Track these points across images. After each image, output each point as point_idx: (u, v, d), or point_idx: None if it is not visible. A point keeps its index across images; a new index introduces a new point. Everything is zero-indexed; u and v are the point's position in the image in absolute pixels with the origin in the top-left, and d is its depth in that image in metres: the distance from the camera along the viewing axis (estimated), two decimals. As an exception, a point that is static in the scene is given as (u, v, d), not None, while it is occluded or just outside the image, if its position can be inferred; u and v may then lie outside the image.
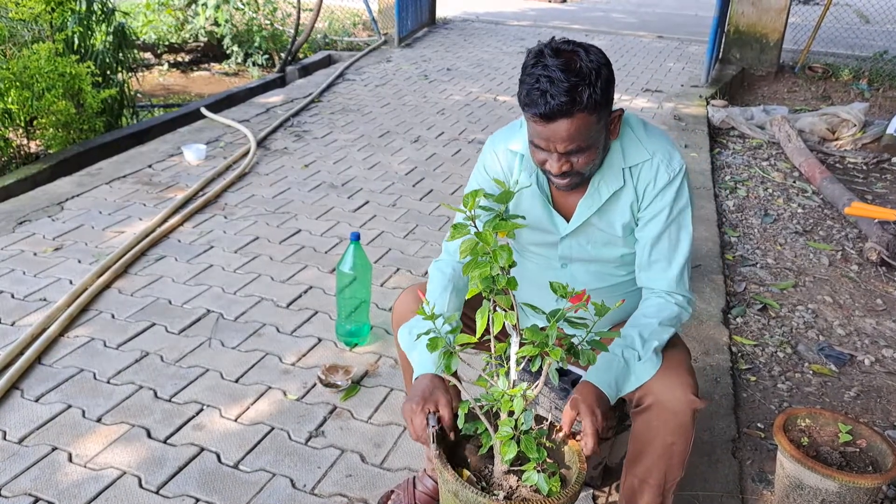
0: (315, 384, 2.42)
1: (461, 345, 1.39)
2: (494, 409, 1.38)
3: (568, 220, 1.67)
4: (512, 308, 1.32)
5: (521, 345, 1.33)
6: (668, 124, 5.59)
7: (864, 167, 5.28)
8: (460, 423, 1.42)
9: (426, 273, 3.18)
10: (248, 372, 2.47)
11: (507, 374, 1.36)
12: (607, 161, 1.59)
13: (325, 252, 3.34)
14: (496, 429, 1.37)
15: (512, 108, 5.88)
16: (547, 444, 1.40)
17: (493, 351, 1.39)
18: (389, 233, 3.57)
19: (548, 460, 1.36)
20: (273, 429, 2.21)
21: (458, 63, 7.45)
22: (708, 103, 6.24)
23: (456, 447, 1.51)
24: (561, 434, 1.45)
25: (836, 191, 4.35)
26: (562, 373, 1.38)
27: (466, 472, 1.46)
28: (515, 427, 1.35)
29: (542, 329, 1.33)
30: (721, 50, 7.55)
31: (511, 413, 1.35)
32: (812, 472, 1.76)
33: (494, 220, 1.34)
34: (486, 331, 1.35)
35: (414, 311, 1.72)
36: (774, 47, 7.50)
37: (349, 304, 2.60)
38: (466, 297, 1.54)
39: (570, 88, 1.39)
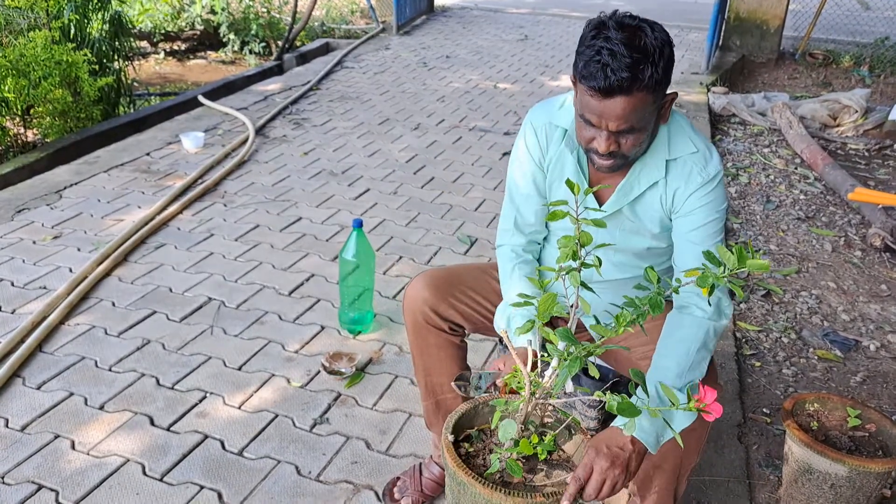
0: (319, 371, 2.40)
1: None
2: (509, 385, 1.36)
3: (601, 206, 1.60)
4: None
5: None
6: (668, 111, 5.55)
7: (866, 153, 5.26)
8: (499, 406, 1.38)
9: (429, 261, 3.17)
10: (250, 359, 2.46)
11: (546, 365, 1.34)
12: (651, 149, 1.52)
13: (327, 240, 3.32)
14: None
15: (512, 96, 5.85)
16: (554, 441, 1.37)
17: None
18: (391, 221, 3.54)
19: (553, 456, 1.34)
20: (277, 416, 2.20)
21: (457, 50, 7.41)
22: (709, 90, 6.21)
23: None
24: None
25: (838, 177, 4.33)
26: (585, 372, 1.34)
27: (469, 447, 1.44)
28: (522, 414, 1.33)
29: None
30: (721, 37, 7.50)
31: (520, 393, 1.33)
32: (822, 457, 1.75)
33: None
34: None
35: (426, 298, 1.69)
36: (775, 34, 7.46)
37: (352, 291, 2.58)
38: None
39: (633, 64, 1.31)
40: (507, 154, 4.52)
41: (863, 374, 2.61)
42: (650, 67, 1.32)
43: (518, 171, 1.67)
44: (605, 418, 1.91)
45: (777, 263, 3.45)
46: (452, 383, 1.46)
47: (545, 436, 1.36)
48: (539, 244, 1.74)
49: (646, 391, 1.31)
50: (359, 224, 2.51)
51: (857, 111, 5.74)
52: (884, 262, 3.53)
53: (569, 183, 1.29)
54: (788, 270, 3.37)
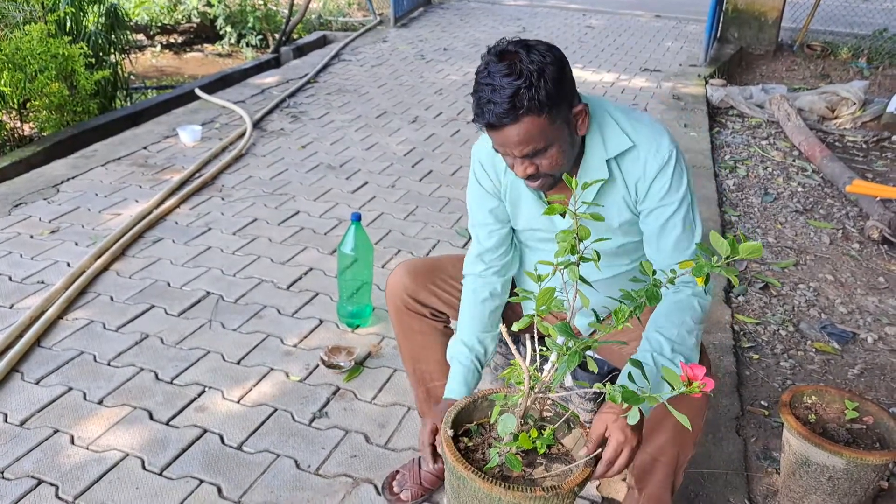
0: (318, 365, 2.40)
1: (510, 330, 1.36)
2: (507, 380, 1.36)
3: (563, 216, 1.61)
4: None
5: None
6: (666, 104, 5.55)
7: (864, 145, 5.26)
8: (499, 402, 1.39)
9: (428, 255, 3.17)
10: (249, 354, 2.46)
11: (544, 360, 1.34)
12: (587, 154, 1.51)
13: (325, 233, 3.32)
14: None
15: (510, 88, 5.83)
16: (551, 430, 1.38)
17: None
18: (389, 214, 3.54)
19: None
20: (276, 410, 2.20)
21: (454, 43, 7.39)
22: (706, 83, 6.20)
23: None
24: (584, 451, 1.37)
25: (836, 169, 4.33)
26: (581, 366, 1.34)
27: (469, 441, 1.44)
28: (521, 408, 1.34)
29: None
30: (719, 29, 7.49)
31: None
32: (819, 450, 1.76)
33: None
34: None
35: (406, 285, 1.74)
36: (773, 26, 7.45)
37: (350, 285, 2.58)
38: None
39: (512, 95, 1.32)
40: (505, 147, 4.51)
41: (860, 367, 2.62)
42: (529, 91, 1.32)
43: (475, 206, 1.69)
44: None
45: (775, 256, 3.46)
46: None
47: (544, 430, 1.36)
48: (499, 270, 1.72)
49: (646, 378, 1.32)
50: (357, 218, 2.51)
51: (854, 103, 5.73)
52: (881, 254, 3.54)
53: (552, 208, 1.30)
54: (786, 263, 3.38)
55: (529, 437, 1.31)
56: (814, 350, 2.71)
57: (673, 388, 1.16)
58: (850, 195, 4.07)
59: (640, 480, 1.65)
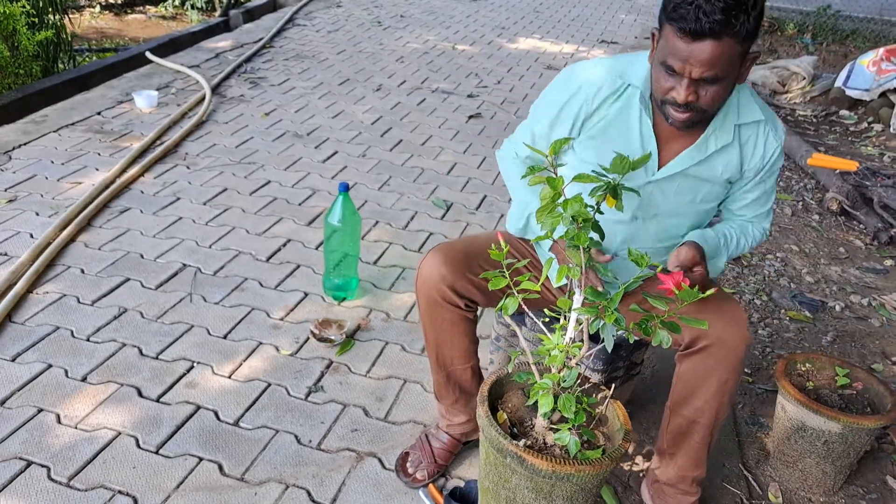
0: (308, 339, 2.35)
1: (522, 291, 1.34)
2: (546, 363, 1.36)
3: (660, 168, 1.57)
4: (580, 265, 1.29)
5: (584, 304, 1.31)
6: (627, 76, 5.59)
7: (815, 120, 5.42)
8: (510, 367, 1.40)
9: (406, 226, 3.13)
10: (235, 328, 2.39)
11: (564, 330, 1.34)
12: (722, 113, 1.51)
13: (299, 204, 3.24)
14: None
15: (472, 58, 5.78)
16: (592, 411, 1.38)
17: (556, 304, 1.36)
18: (363, 184, 3.48)
19: (594, 430, 1.35)
20: (270, 385, 2.15)
21: (410, 10, 7.26)
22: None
23: (508, 394, 1.50)
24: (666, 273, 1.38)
25: (792, 143, 4.45)
26: (594, 338, 1.35)
27: (504, 416, 1.44)
28: (558, 383, 1.34)
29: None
30: (672, 2, 7.56)
31: (558, 368, 1.33)
32: (817, 415, 1.82)
33: (602, 191, 1.29)
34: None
35: (443, 275, 1.64)
36: (723, 0, 7.56)
37: (336, 257, 2.53)
38: (532, 241, 1.55)
39: (727, 8, 1.28)
40: (472, 117, 4.48)
41: (832, 334, 2.72)
42: (743, 14, 1.30)
43: (550, 113, 1.61)
44: (609, 370, 1.93)
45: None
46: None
47: (580, 400, 1.36)
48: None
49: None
50: (345, 188, 2.45)
51: (804, 78, 5.90)
52: (840, 225, 3.67)
53: (557, 142, 1.34)
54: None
55: (571, 408, 1.31)
56: (788, 318, 2.80)
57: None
58: (807, 168, 4.20)
59: (676, 444, 1.67)
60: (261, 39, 5.69)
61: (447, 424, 1.85)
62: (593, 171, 1.31)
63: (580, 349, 1.33)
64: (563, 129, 1.60)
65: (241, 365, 2.22)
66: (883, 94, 5.32)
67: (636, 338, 1.81)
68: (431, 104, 4.64)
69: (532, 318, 1.57)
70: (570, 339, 1.35)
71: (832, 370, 1.99)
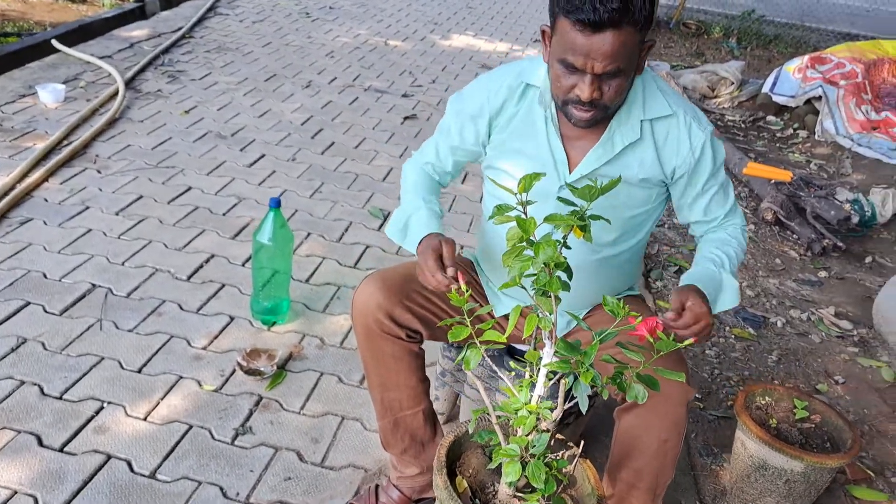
0: (234, 371, 2.14)
1: (485, 342, 1.19)
2: (511, 423, 1.21)
3: (570, 172, 1.49)
4: (551, 312, 1.15)
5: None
6: (562, 77, 5.52)
7: (743, 125, 5.49)
8: (471, 427, 1.25)
9: (341, 238, 2.93)
10: (152, 359, 2.15)
11: (533, 386, 1.19)
12: (625, 110, 1.42)
13: (224, 214, 3.00)
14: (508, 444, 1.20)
15: (405, 54, 5.59)
16: (562, 477, 1.24)
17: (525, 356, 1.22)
18: (293, 191, 3.26)
19: (562, 496, 1.22)
20: (191, 427, 1.94)
21: (339, 1, 7.00)
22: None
23: (467, 454, 1.35)
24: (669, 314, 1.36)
25: (726, 150, 4.46)
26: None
27: (464, 483, 1.29)
28: (526, 448, 1.19)
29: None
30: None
31: (523, 431, 1.18)
32: (779, 454, 1.74)
33: (572, 219, 1.14)
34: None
35: (380, 303, 1.50)
36: (653, 2, 7.61)
37: (265, 274, 2.32)
38: (498, 290, 1.37)
39: None
40: (408, 118, 4.31)
41: (777, 353, 2.69)
42: (640, 0, 1.23)
43: (462, 113, 1.57)
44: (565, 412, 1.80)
45: (682, 238, 3.51)
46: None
47: (549, 465, 1.22)
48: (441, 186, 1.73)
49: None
50: (276, 204, 2.24)
51: (733, 83, 5.97)
52: (775, 235, 3.68)
53: (527, 177, 1.17)
54: (693, 245, 3.43)
55: (541, 477, 1.17)
56: (733, 336, 2.76)
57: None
58: (740, 176, 4.22)
59: (616, 509, 1.56)
60: (180, 29, 5.35)
61: (397, 477, 1.69)
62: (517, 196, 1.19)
63: (552, 410, 1.19)
64: (469, 132, 1.57)
65: (158, 404, 2.00)
66: (808, 101, 5.43)
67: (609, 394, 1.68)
68: (364, 103, 4.44)
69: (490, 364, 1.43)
70: (539, 396, 1.21)
71: (790, 402, 1.93)
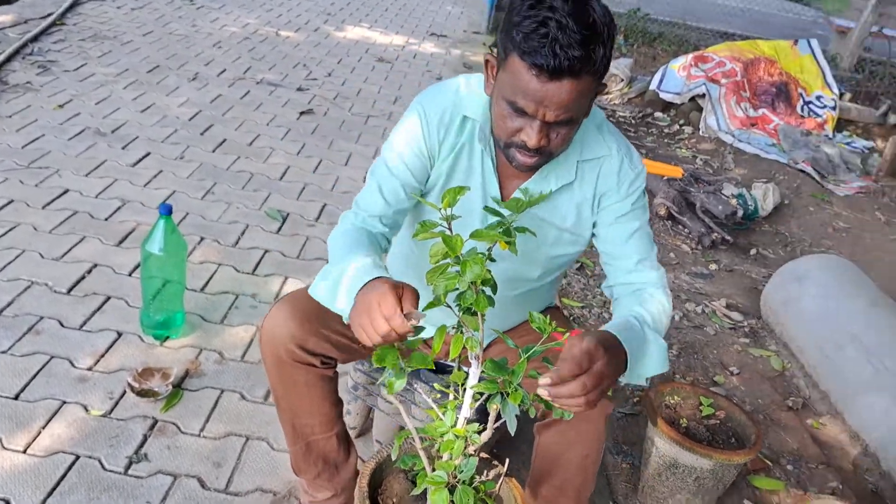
0: (125, 393, 1.98)
1: (410, 366, 1.13)
2: (437, 447, 1.15)
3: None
4: (477, 330, 1.10)
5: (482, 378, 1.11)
6: (459, 72, 5.51)
7: (633, 121, 5.67)
8: (394, 453, 1.18)
9: (237, 243, 2.78)
10: (30, 383, 1.95)
11: (459, 408, 1.14)
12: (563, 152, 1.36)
13: (106, 219, 2.78)
14: (434, 469, 1.15)
15: (298, 46, 5.41)
16: (488, 498, 1.20)
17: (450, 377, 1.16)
18: (183, 193, 3.07)
19: None
20: (79, 458, 1.77)
21: (225, -12, 6.70)
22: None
23: (389, 479, 1.28)
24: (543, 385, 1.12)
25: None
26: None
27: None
28: (453, 474, 1.14)
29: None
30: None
31: (450, 455, 1.13)
32: (690, 453, 1.78)
33: (495, 231, 1.08)
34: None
35: (293, 334, 1.38)
36: (544, -3, 7.72)
37: (155, 284, 2.16)
38: (422, 310, 1.15)
39: (584, 41, 1.12)
40: (304, 113, 4.16)
41: (677, 347, 2.77)
42: (601, 47, 1.14)
43: (404, 153, 1.41)
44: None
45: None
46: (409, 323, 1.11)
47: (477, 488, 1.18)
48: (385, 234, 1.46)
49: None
50: (167, 211, 2.08)
51: (623, 80, 6.16)
52: (668, 230, 3.81)
53: (450, 191, 1.10)
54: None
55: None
56: (635, 332, 2.81)
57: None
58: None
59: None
60: (50, 15, 4.94)
61: (309, 501, 1.60)
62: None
63: (480, 433, 1.15)
64: (416, 166, 1.41)
65: (39, 434, 1.81)
66: (692, 99, 5.67)
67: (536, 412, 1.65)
68: (257, 98, 4.26)
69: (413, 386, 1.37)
70: (465, 418, 1.16)
71: (696, 399, 1.97)
